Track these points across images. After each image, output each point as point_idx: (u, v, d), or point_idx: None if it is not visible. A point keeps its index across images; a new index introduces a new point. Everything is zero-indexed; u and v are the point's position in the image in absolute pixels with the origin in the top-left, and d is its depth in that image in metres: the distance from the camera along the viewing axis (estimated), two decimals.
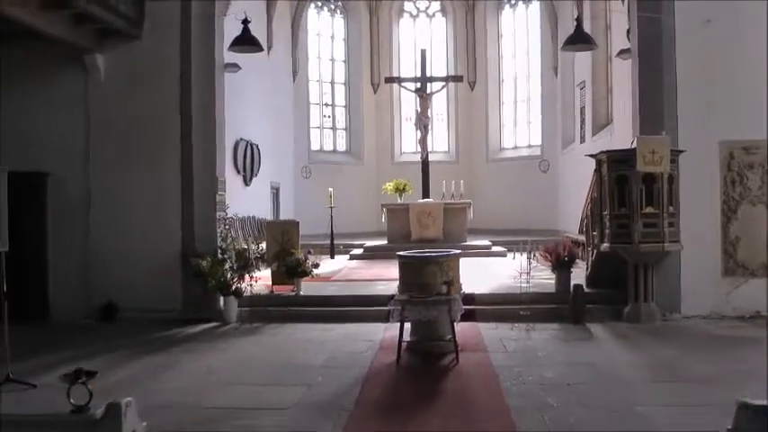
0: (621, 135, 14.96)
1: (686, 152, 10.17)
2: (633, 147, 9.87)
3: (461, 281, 9.43)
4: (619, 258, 10.28)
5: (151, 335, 9.90)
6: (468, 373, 7.50)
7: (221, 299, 10.84)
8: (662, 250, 9.97)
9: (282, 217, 20.99)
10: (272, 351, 8.80)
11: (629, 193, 9.95)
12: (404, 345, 8.23)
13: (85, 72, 11.32)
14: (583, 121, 20.26)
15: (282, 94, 23.15)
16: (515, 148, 26.36)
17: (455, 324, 8.17)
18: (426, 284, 8.29)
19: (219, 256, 10.90)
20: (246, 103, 18.06)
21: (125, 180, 11.26)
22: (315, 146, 25.95)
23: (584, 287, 10.59)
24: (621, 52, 13.11)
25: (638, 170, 9.70)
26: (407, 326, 8.40)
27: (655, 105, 10.58)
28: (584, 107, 20.21)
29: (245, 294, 10.78)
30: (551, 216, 23.03)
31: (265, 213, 19.69)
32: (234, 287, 10.70)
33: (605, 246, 10.32)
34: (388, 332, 9.28)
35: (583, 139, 20.14)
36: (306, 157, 25.06)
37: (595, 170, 10.77)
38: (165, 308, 10.95)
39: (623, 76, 15.68)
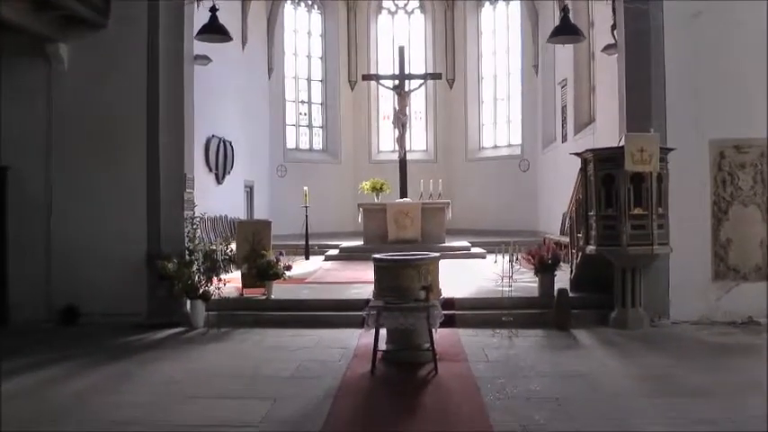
0: (605, 134, 14.56)
1: (675, 151, 9.72)
2: (621, 145, 9.45)
3: (440, 285, 8.91)
4: (604, 261, 9.84)
5: (113, 341, 9.32)
6: (448, 385, 6.99)
7: (188, 302, 10.29)
8: (651, 253, 9.51)
9: (257, 216, 20.50)
10: (239, 359, 8.24)
11: (616, 194, 9.48)
12: (379, 354, 7.73)
13: (47, 62, 10.69)
14: (564, 119, 19.88)
15: (257, 91, 22.60)
16: (495, 147, 26.00)
17: (434, 332, 7.66)
18: (403, 289, 7.81)
19: (187, 257, 10.35)
20: (219, 99, 17.51)
21: (88, 176, 10.67)
22: (290, 144, 25.43)
23: (569, 291, 10.13)
24: (607, 48, 12.69)
25: (627, 169, 9.25)
26: (383, 333, 7.90)
27: (642, 102, 10.14)
28: (565, 105, 19.82)
29: (213, 298, 10.22)
30: (531, 217, 22.84)
31: (239, 213, 19.15)
32: (201, 290, 10.15)
33: (591, 248, 9.88)
34: (362, 339, 8.75)
35: (564, 138, 19.76)
36: (281, 156, 24.54)
37: (581, 169, 10.32)
38: (130, 311, 10.37)
39: (607, 73, 15.34)
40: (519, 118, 24.90)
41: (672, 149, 9.66)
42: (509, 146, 25.43)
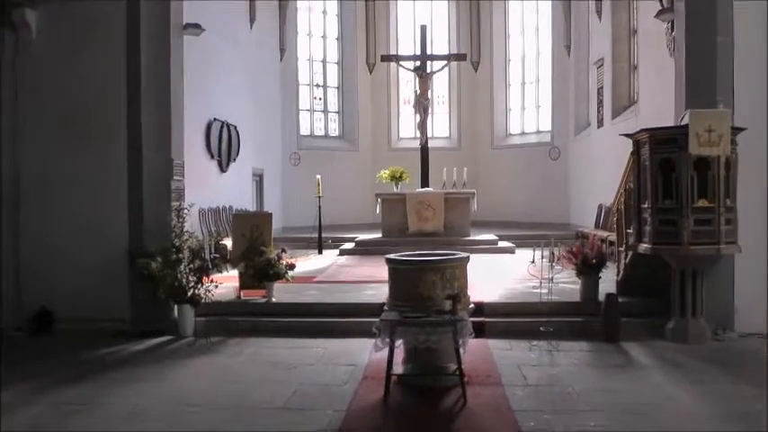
0: (649, 116, 13.06)
1: (742, 132, 8.18)
2: (683, 124, 7.93)
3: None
4: (657, 262, 8.35)
5: (86, 354, 8.00)
6: (480, 422, 5.53)
7: (175, 307, 8.92)
8: (717, 253, 8.01)
9: (267, 207, 19.07)
10: (225, 382, 6.82)
11: (676, 182, 7.95)
12: (394, 377, 6.30)
13: (14, 31, 9.31)
14: (600, 102, 18.28)
15: (268, 74, 21.10)
16: (523, 133, 24.46)
17: (462, 352, 6.20)
18: (424, 299, 6.34)
19: (173, 255, 8.95)
20: (223, 81, 16.07)
21: (61, 162, 9.40)
22: (304, 130, 23.93)
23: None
24: (660, 13, 11.10)
25: (691, 152, 7.73)
26: (399, 351, 6.48)
27: (706, 73, 8.62)
28: (602, 87, 18.21)
29: (204, 301, 8.84)
30: (562, 208, 21.57)
31: (246, 204, 17.74)
32: (190, 293, 8.77)
33: (645, 246, 8.33)
34: (375, 354, 7.16)
35: (601, 123, 18.16)
36: (294, 143, 23.06)
37: (632, 153, 8.78)
38: (111, 317, 9.05)
39: (652, 49, 13.85)
40: (549, 102, 23.33)
41: (742, 129, 8.13)
42: (538, 132, 23.92)
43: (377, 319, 6.60)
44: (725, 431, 5.31)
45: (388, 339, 6.15)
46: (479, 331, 7.98)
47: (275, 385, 6.59)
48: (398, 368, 6.49)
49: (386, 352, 6.26)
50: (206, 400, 6.18)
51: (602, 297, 8.72)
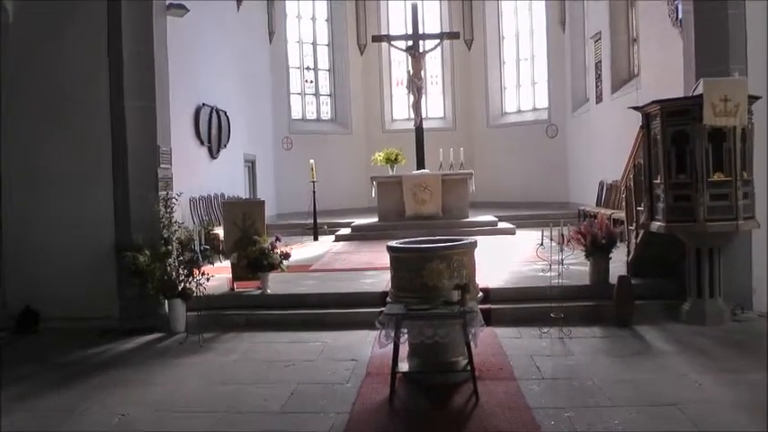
0: (652, 89, 12.63)
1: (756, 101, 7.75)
2: (696, 94, 7.50)
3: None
4: (669, 240, 7.94)
5: (72, 355, 7.53)
6: (497, 423, 5.07)
7: (166, 302, 8.48)
8: (735, 230, 7.59)
9: (260, 194, 18.63)
10: (217, 383, 6.36)
11: (690, 156, 7.53)
12: (399, 373, 5.87)
13: None
14: (599, 77, 17.81)
15: (257, 57, 20.65)
16: (519, 112, 24.03)
17: (473, 346, 5.77)
18: (429, 289, 5.90)
19: (162, 247, 8.50)
20: (211, 65, 15.64)
21: (43, 153, 8.92)
22: (296, 114, 23.49)
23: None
24: None
25: (706, 124, 7.30)
26: (404, 345, 6.04)
27: (718, 42, 8.18)
28: (599, 62, 17.75)
29: (195, 295, 8.39)
30: (561, 187, 21.26)
31: (238, 191, 17.31)
32: (181, 287, 8.33)
33: (659, 224, 7.91)
34: (377, 347, 6.73)
35: (600, 98, 17.72)
36: (286, 127, 22.63)
37: (642, 126, 8.33)
38: (99, 315, 8.63)
39: (651, 20, 13.48)
40: (545, 79, 22.96)
41: (757, 98, 7.69)
42: (534, 110, 23.50)
43: (377, 309, 6.23)
44: (754, 425, 4.88)
45: (392, 334, 5.71)
46: (485, 319, 7.48)
47: (271, 386, 6.14)
48: (403, 364, 6.07)
49: (390, 347, 5.83)
50: (197, 406, 5.72)
51: (612, 279, 8.32)
